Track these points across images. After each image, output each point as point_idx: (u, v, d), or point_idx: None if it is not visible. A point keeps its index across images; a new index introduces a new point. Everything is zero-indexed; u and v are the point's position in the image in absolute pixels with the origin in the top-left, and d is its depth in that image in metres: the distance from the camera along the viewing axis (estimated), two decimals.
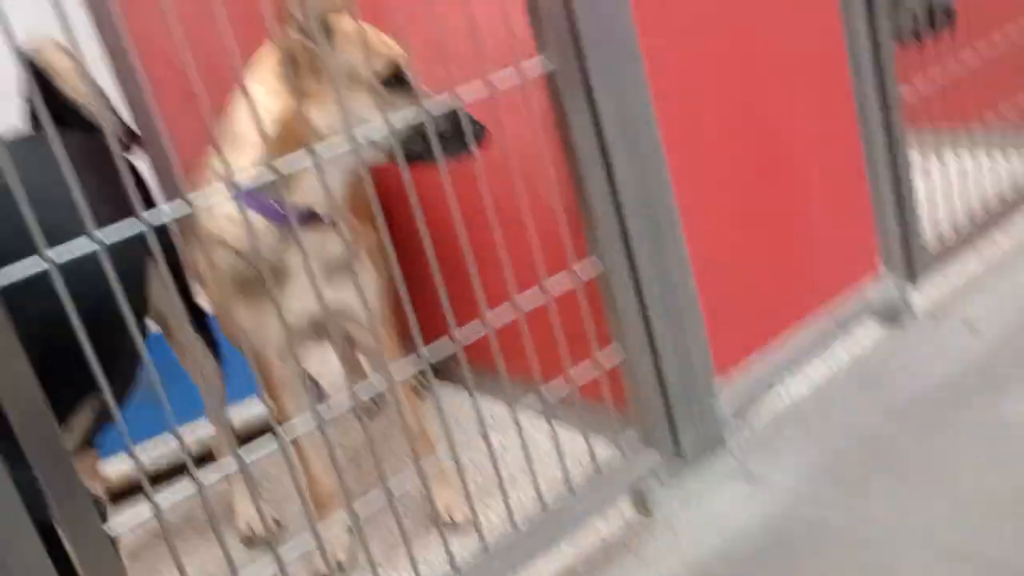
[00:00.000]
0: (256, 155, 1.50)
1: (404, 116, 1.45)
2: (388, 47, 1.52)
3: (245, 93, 1.28)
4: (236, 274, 1.60)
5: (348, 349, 2.54)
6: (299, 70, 1.43)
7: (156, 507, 1.17)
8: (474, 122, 1.49)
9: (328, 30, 1.45)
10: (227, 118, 1.57)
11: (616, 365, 1.79)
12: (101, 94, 1.38)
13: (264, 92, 1.51)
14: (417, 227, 1.45)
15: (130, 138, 1.98)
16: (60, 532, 1.14)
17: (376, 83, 1.42)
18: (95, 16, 3.18)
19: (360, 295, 1.43)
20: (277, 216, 1.55)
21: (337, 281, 1.65)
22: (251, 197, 1.52)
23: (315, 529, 1.36)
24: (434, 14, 1.45)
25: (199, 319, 1.93)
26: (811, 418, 1.93)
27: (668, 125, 1.69)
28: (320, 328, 1.69)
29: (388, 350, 1.79)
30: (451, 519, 1.89)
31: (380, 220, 1.42)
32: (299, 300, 1.63)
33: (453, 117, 1.47)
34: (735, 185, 1.89)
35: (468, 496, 1.61)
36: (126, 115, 3.21)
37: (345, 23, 1.49)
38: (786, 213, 2.00)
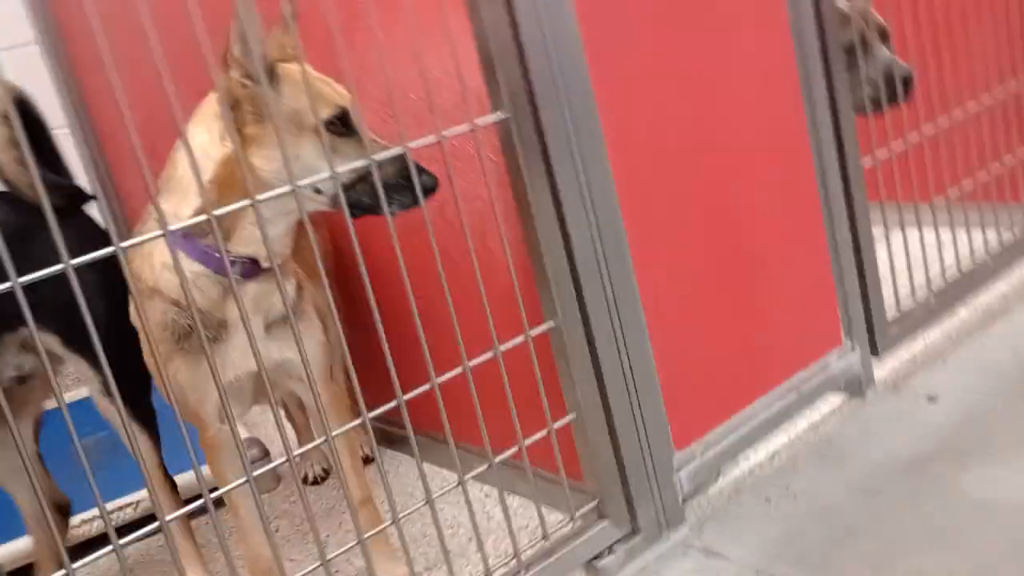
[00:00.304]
0: (197, 202, 1.44)
1: (350, 164, 1.40)
2: (336, 92, 1.48)
3: (184, 138, 1.23)
4: (172, 327, 1.52)
5: (299, 413, 2.46)
6: (241, 114, 1.38)
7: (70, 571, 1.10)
8: (423, 171, 1.44)
9: (273, 74, 1.41)
10: (170, 165, 1.52)
11: (571, 435, 1.73)
12: (27, 160, 1.28)
13: (207, 138, 1.45)
14: (364, 287, 1.40)
15: (74, 199, 1.90)
16: None
17: (322, 129, 1.37)
18: (60, 73, 3.18)
19: (303, 351, 1.37)
20: (217, 264, 1.48)
21: (281, 336, 1.57)
22: (190, 244, 1.46)
23: None
24: (386, 68, 1.41)
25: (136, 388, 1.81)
26: (772, 492, 1.87)
27: (625, 191, 1.67)
28: (263, 386, 1.61)
29: (336, 410, 1.71)
30: None
31: (323, 273, 1.37)
32: (240, 355, 1.55)
33: (401, 166, 1.42)
34: (693, 255, 1.86)
35: (411, 570, 1.53)
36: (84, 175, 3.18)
37: (291, 68, 1.45)
38: (747, 285, 1.97)
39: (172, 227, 1.20)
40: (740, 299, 1.95)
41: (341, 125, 1.44)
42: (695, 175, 1.83)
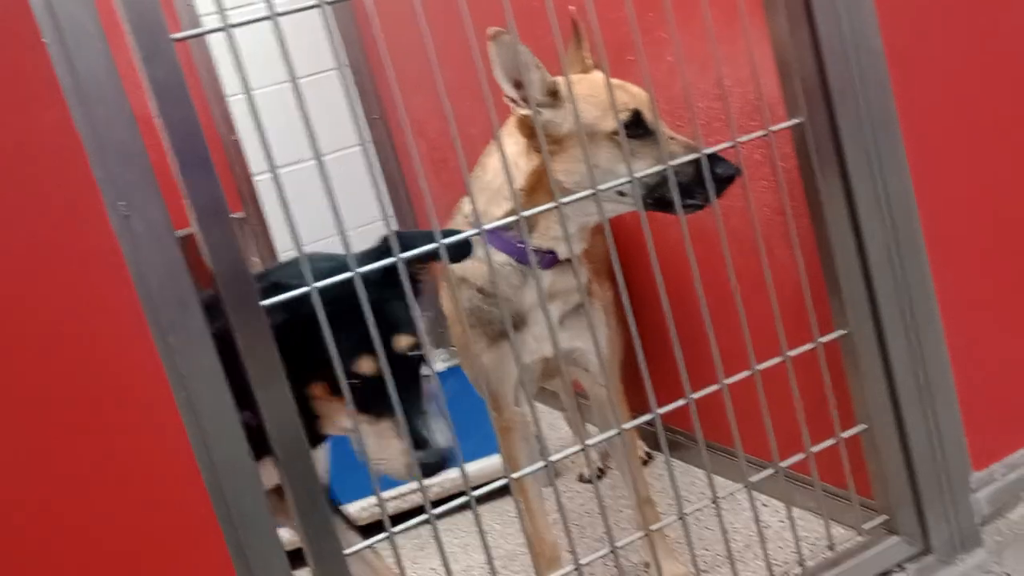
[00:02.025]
0: (508, 204, 1.59)
1: (646, 166, 1.46)
2: (629, 95, 1.54)
3: (502, 152, 1.34)
4: (477, 312, 1.67)
5: (574, 415, 2.55)
6: (535, 136, 1.48)
7: (391, 534, 1.22)
8: (722, 162, 1.47)
9: (556, 96, 1.52)
10: (480, 168, 1.68)
11: (858, 447, 1.68)
12: None
13: (516, 150, 1.60)
14: (648, 289, 1.45)
15: None
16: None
17: (622, 133, 1.43)
18: (366, 94, 3.49)
19: (593, 340, 1.45)
20: (520, 254, 1.61)
21: (572, 325, 1.69)
22: (495, 237, 1.60)
23: None
24: (681, 77, 1.46)
25: None
26: None
27: (925, 193, 1.61)
28: (552, 372, 1.72)
29: (617, 404, 1.79)
30: None
31: (619, 271, 1.43)
32: (535, 341, 1.67)
33: (698, 163, 1.45)
34: (1002, 263, 1.75)
35: (693, 555, 1.54)
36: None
37: (577, 81, 1.54)
38: None
39: (485, 224, 1.31)
40: None
41: (634, 128, 1.51)
42: (1006, 177, 1.73)
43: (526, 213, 1.35)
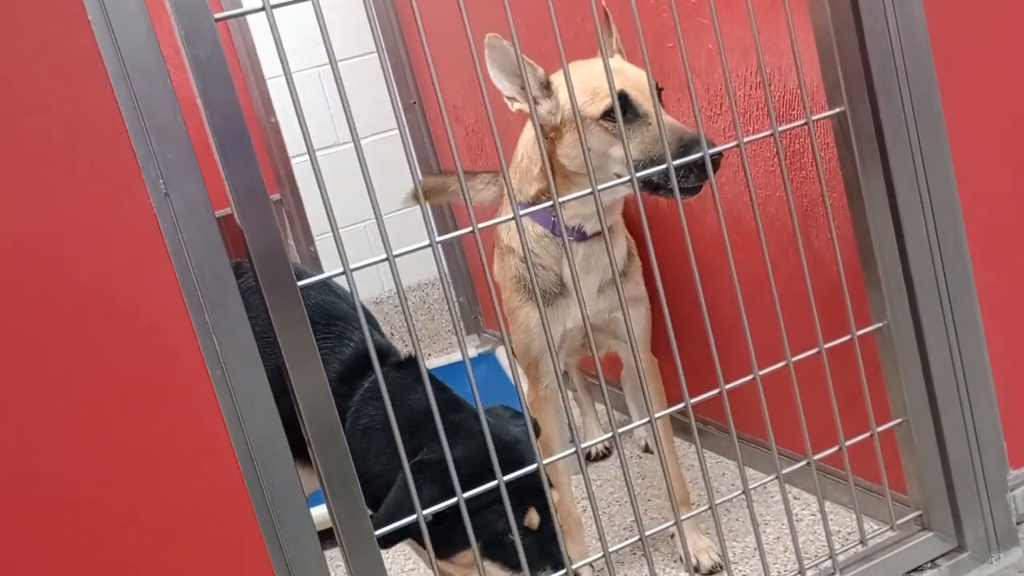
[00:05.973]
0: (538, 186, 1.72)
1: (634, 146, 1.55)
2: (623, 79, 1.59)
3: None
4: (523, 280, 1.82)
5: (586, 396, 2.60)
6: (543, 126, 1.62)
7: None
8: (698, 147, 1.44)
9: (548, 87, 1.66)
10: (515, 153, 1.82)
11: (892, 442, 1.66)
12: None
13: (531, 136, 1.74)
14: (683, 277, 1.44)
15: None
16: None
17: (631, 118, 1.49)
18: (399, 79, 3.49)
19: (625, 307, 1.46)
20: (555, 227, 1.75)
21: (611, 296, 1.79)
22: (536, 214, 1.74)
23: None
24: (719, 66, 1.44)
25: None
26: None
27: (967, 187, 1.58)
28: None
29: (653, 379, 1.88)
30: (698, 561, 1.90)
31: (653, 259, 1.42)
32: (576, 309, 1.77)
33: (677, 147, 1.47)
34: None
35: (723, 544, 1.54)
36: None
37: (574, 72, 1.57)
38: None
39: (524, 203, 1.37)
40: None
41: (621, 111, 1.54)
42: None
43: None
